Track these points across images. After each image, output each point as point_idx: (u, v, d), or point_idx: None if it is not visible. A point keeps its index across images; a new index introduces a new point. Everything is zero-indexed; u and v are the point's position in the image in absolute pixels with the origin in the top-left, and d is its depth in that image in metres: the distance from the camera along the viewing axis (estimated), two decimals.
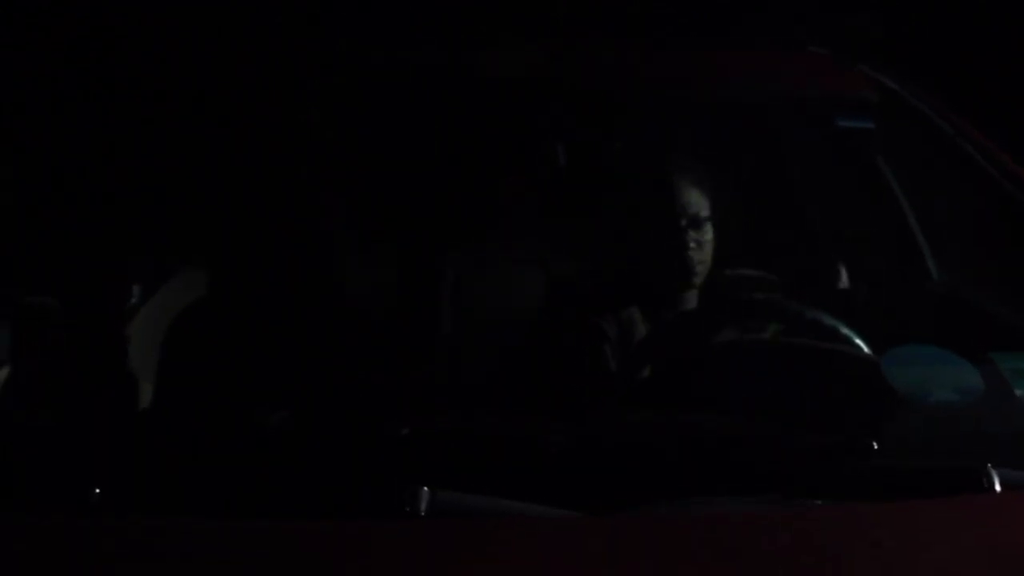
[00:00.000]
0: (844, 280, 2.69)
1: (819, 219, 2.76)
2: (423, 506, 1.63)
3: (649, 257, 2.50)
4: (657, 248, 2.49)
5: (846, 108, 2.66)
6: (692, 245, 2.46)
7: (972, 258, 2.64)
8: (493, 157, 2.67)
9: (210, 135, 2.60)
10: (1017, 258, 2.37)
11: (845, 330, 2.21)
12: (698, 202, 2.48)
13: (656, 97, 2.65)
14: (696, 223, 2.47)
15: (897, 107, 2.63)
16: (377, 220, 2.65)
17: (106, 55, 2.66)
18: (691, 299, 2.50)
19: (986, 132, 2.51)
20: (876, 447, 1.78)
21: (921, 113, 2.58)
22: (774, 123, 2.72)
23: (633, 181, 2.56)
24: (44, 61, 2.67)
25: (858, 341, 2.19)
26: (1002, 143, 2.48)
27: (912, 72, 2.74)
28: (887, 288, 2.64)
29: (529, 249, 2.69)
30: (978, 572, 1.58)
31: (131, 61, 2.75)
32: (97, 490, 1.66)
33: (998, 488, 1.72)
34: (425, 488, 1.63)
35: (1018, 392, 1.97)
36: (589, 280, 2.64)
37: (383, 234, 2.66)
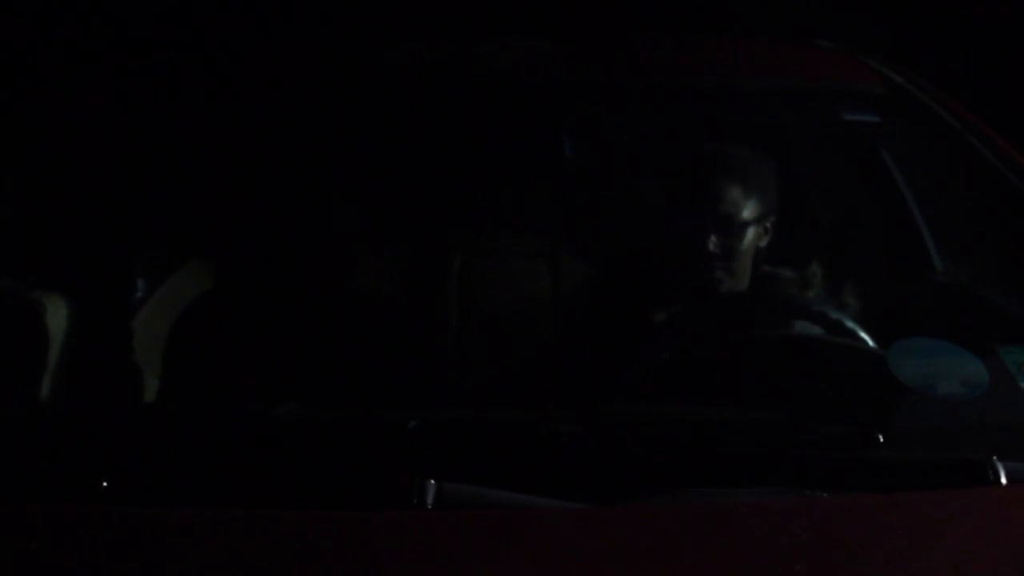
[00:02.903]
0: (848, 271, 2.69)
1: (824, 211, 2.76)
2: (430, 498, 1.63)
3: (660, 260, 2.41)
4: (669, 253, 2.39)
5: (851, 101, 2.66)
6: (715, 251, 2.32)
7: (977, 250, 2.64)
8: (501, 153, 2.67)
9: (216, 129, 2.60)
10: (1021, 249, 2.37)
11: (850, 323, 2.21)
12: (735, 201, 2.33)
13: (659, 90, 2.64)
14: (726, 224, 2.33)
15: (902, 99, 2.63)
16: (384, 213, 2.65)
17: (113, 50, 2.67)
18: (695, 295, 2.50)
19: (991, 124, 2.51)
20: (882, 439, 1.78)
21: (925, 105, 2.58)
22: (779, 117, 2.72)
23: (649, 174, 2.52)
24: (49, 55, 2.68)
25: (863, 334, 2.19)
26: (1006, 135, 2.48)
27: (916, 66, 2.74)
28: (891, 280, 2.64)
29: (538, 244, 2.70)
30: (983, 564, 1.59)
31: (137, 56, 2.76)
32: (105, 483, 1.66)
33: (1004, 480, 1.72)
34: (432, 480, 1.64)
35: (1023, 384, 1.98)
36: (598, 274, 2.64)
37: (390, 227, 2.67)
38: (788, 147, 2.75)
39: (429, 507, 1.63)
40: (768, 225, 2.40)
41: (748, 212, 2.34)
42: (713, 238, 2.32)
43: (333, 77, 2.66)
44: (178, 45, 2.94)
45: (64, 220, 2.45)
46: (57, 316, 2.28)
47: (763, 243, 2.40)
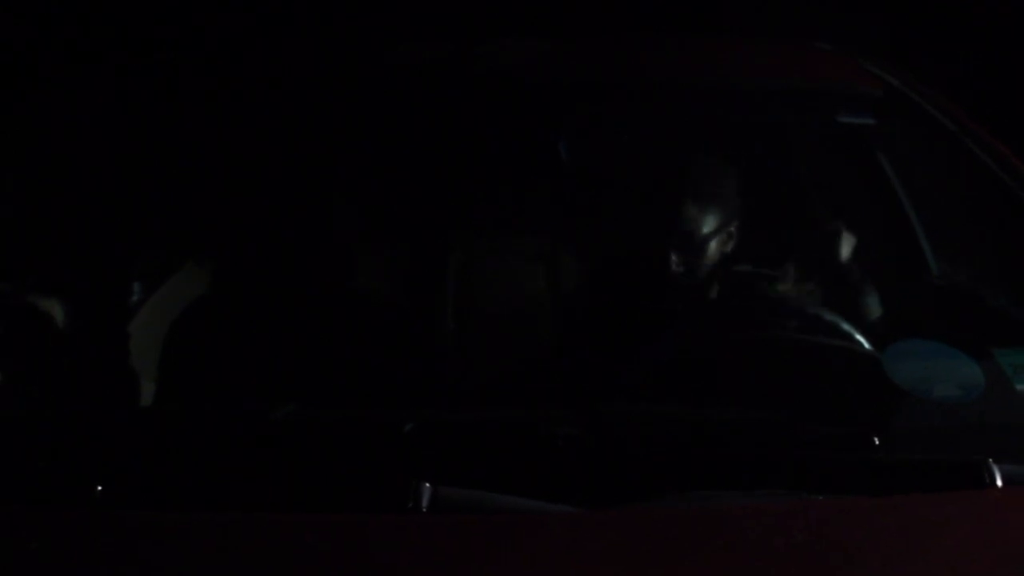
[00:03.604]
0: (845, 274, 2.69)
1: (819, 214, 2.76)
2: (426, 501, 1.63)
3: (639, 267, 2.46)
4: (642, 263, 2.44)
5: (847, 103, 2.66)
6: (677, 268, 2.39)
7: (973, 253, 2.64)
8: (500, 153, 2.67)
9: (216, 130, 2.60)
10: (1017, 253, 2.37)
11: (846, 325, 2.22)
12: (693, 218, 2.40)
13: (657, 91, 2.64)
14: (686, 239, 2.39)
15: (899, 102, 2.63)
16: (382, 216, 2.65)
17: (113, 50, 2.67)
18: (695, 296, 2.50)
19: (990, 125, 2.51)
20: (877, 442, 1.78)
21: (922, 108, 2.59)
22: (776, 118, 2.72)
23: (628, 186, 2.55)
24: (49, 55, 2.68)
25: (859, 336, 2.19)
26: (1006, 136, 2.49)
27: (915, 66, 2.74)
28: (888, 283, 2.64)
29: (537, 244, 2.70)
30: (980, 567, 1.60)
31: (137, 56, 2.76)
32: (99, 487, 1.67)
33: (999, 483, 1.72)
34: (427, 483, 1.64)
35: (1019, 387, 1.98)
36: (597, 275, 2.65)
37: (390, 227, 2.67)
38: (785, 148, 2.75)
39: (425, 510, 1.63)
40: (732, 231, 2.43)
41: (708, 227, 2.39)
42: (674, 257, 2.38)
43: (333, 77, 2.67)
44: (178, 45, 2.94)
45: (64, 220, 2.45)
46: (56, 317, 2.28)
47: (728, 248, 2.44)
